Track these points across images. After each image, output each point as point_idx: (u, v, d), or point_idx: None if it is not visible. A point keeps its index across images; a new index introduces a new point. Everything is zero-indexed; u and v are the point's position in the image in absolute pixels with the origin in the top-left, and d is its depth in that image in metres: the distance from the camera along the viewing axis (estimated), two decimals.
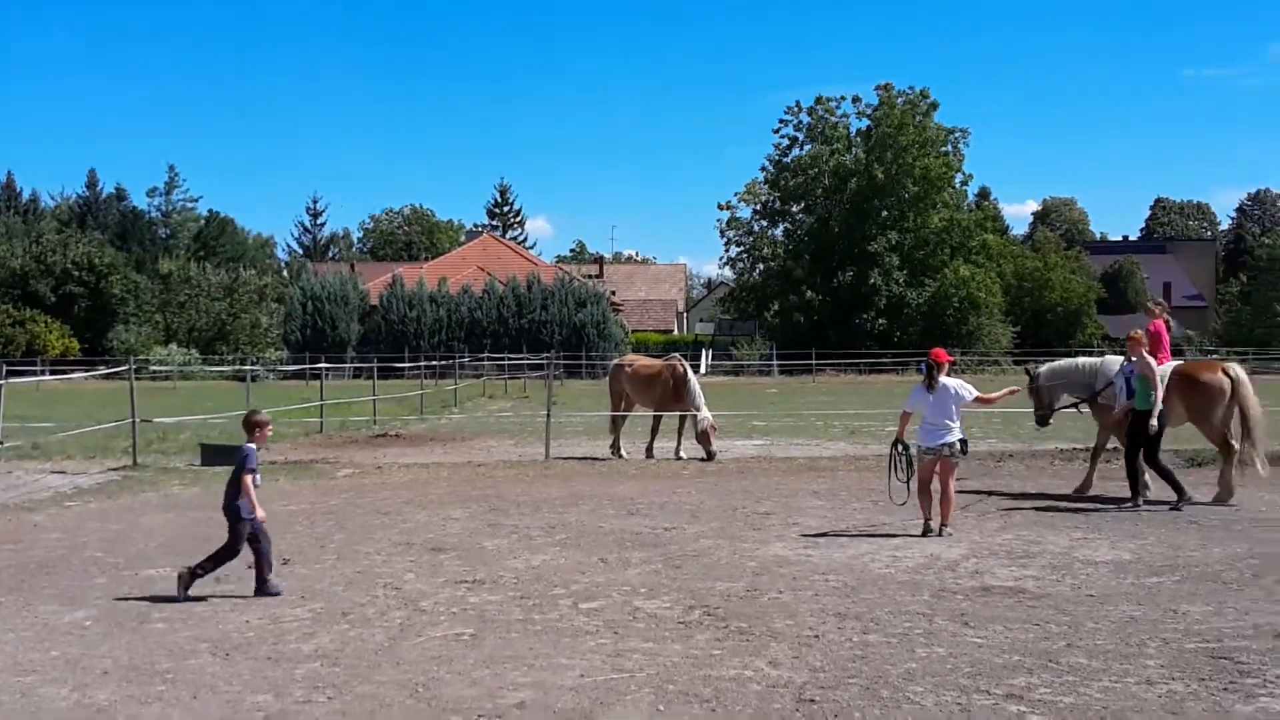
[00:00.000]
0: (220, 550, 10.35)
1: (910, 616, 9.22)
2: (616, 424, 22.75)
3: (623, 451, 21.97)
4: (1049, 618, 9.15)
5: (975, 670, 7.70)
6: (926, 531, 12.94)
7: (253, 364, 56.15)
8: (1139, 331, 15.16)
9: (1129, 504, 14.97)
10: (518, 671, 7.77)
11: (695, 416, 21.25)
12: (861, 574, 10.95)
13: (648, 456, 21.75)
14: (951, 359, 13.53)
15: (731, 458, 21.19)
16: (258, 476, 10.44)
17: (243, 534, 10.24)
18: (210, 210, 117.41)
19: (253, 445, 10.55)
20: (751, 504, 15.55)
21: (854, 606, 9.57)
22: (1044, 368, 17.44)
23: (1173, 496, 14.88)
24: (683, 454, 21.47)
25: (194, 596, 10.01)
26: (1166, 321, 16.59)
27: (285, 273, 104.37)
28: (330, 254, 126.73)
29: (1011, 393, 14.42)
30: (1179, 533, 13.11)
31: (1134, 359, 14.81)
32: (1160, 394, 14.66)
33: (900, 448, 13.48)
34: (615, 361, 25.40)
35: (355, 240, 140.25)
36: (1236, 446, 15.48)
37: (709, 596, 9.97)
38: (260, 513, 10.28)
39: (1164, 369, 15.53)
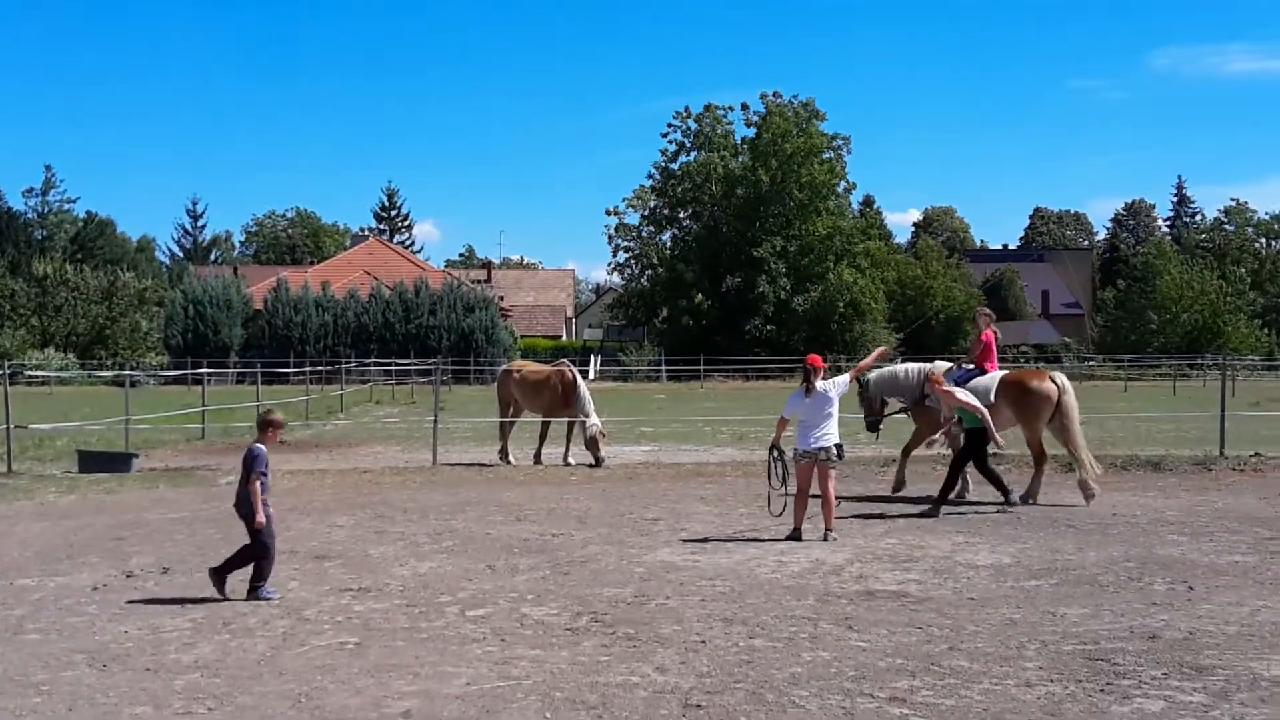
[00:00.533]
0: (245, 548, 10.35)
1: (796, 621, 9.31)
2: (505, 430, 22.66)
3: (511, 457, 21.89)
4: (931, 621, 9.29)
5: (859, 674, 7.79)
6: (797, 536, 13.06)
7: (133, 369, 55.05)
8: (937, 374, 15.93)
9: (1005, 504, 15.55)
10: (403, 680, 7.71)
11: (585, 423, 21.25)
12: (748, 579, 11.02)
13: (535, 462, 21.71)
14: (825, 364, 13.75)
15: (619, 464, 21.21)
16: (268, 479, 10.44)
17: (267, 530, 10.24)
18: (89, 212, 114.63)
19: (262, 445, 10.46)
20: (639, 510, 15.59)
21: (740, 611, 9.64)
22: (872, 374, 17.85)
23: (999, 497, 15.65)
24: (571, 460, 21.46)
25: (230, 597, 10.13)
26: (995, 332, 17.22)
27: (167, 276, 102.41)
28: (213, 257, 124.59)
29: (880, 354, 16.07)
30: (1057, 537, 13.39)
31: (939, 391, 15.34)
32: (985, 410, 15.16)
33: (776, 453, 13.63)
34: (503, 367, 25.29)
35: (238, 244, 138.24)
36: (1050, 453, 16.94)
37: (596, 603, 9.97)
38: (260, 517, 10.19)
39: (992, 377, 16.46)
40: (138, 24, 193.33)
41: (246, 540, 10.31)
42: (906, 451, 17.70)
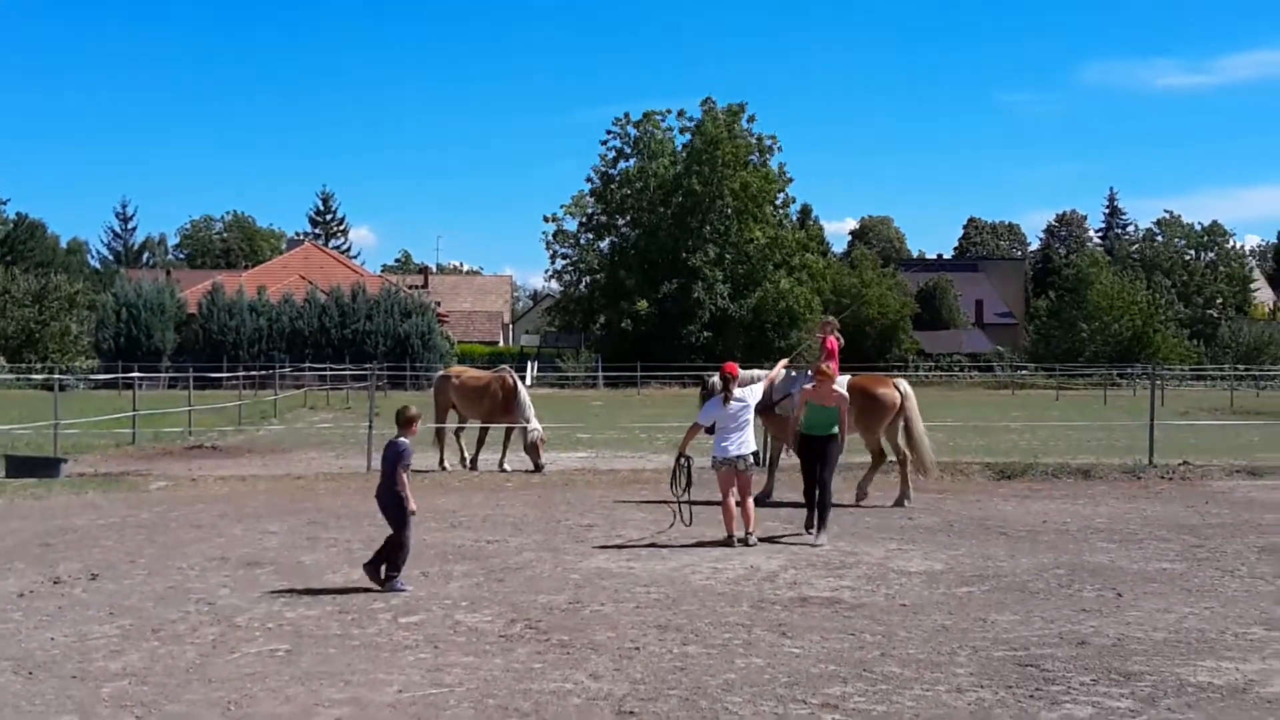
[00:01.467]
0: (389, 542, 10.89)
1: (730, 627, 9.33)
2: (441, 436, 22.55)
3: (446, 464, 21.80)
4: (864, 627, 9.35)
5: (792, 680, 7.81)
6: (731, 542, 13.14)
7: (63, 373, 54.27)
8: (828, 365, 15.14)
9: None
10: (334, 688, 7.65)
11: (525, 428, 21.23)
12: (682, 586, 11.04)
13: (471, 469, 21.62)
14: (738, 373, 13.88)
15: (556, 470, 21.17)
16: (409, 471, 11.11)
17: (408, 523, 10.87)
18: (19, 214, 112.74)
19: (405, 440, 11.08)
20: (575, 516, 15.57)
21: (675, 618, 9.65)
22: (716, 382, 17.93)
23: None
24: (507, 466, 21.41)
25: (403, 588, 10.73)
26: (838, 339, 17.33)
27: (99, 279, 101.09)
28: (146, 260, 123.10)
29: (784, 365, 16.25)
30: (989, 544, 13.51)
31: (832, 391, 14.42)
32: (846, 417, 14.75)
33: (684, 460, 13.70)
34: (441, 373, 25.10)
35: (171, 247, 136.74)
36: (892, 458, 17.32)
37: (531, 609, 9.95)
38: (413, 505, 10.94)
39: (839, 382, 16.42)
40: (69, 25, 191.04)
41: (185, 550, 10.21)
42: (773, 462, 17.83)
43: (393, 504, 10.89)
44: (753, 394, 13.71)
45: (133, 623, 9.48)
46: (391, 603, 10.22)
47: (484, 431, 22.36)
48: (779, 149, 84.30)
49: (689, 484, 13.67)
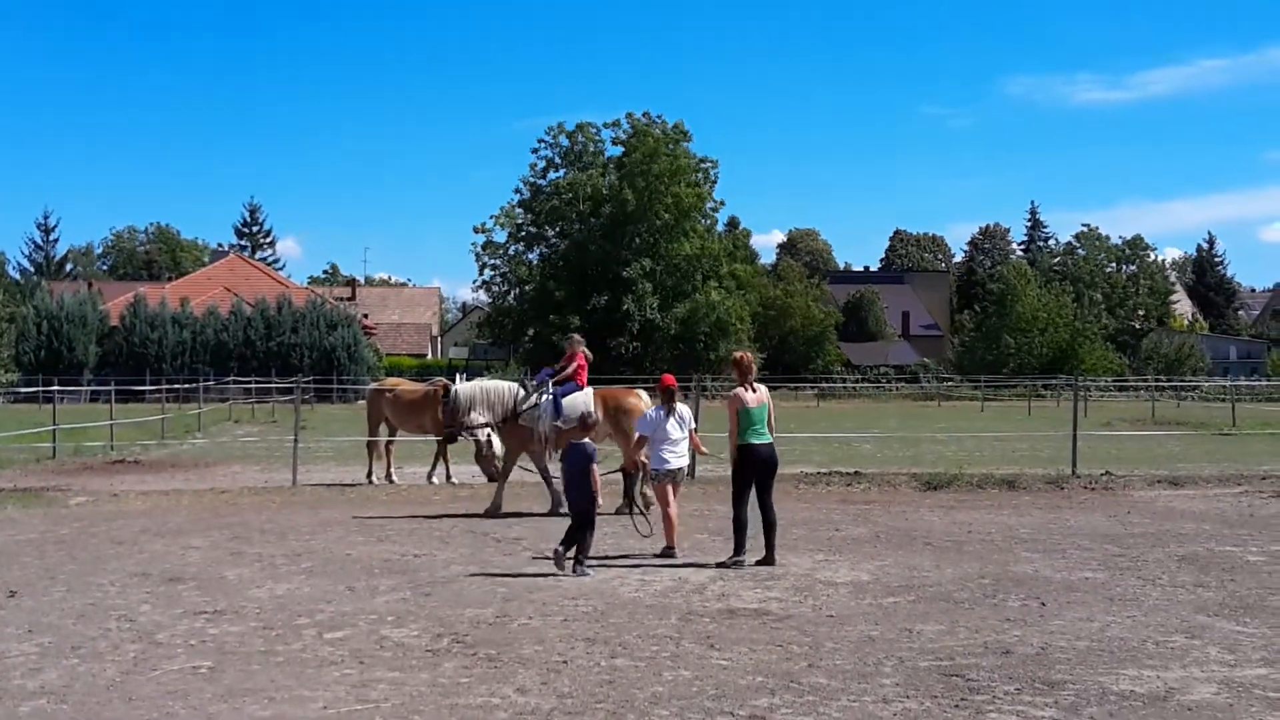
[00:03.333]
0: (572, 528, 12.32)
1: (658, 640, 9.32)
2: (373, 449, 22.37)
3: (375, 478, 21.66)
4: (791, 639, 9.37)
5: (720, 692, 7.81)
6: (673, 553, 13.19)
7: None
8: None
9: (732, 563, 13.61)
10: (257, 705, 7.55)
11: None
12: (611, 598, 11.02)
13: (429, 481, 21.52)
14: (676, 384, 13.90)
15: (481, 483, 21.03)
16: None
17: (591, 512, 12.40)
18: None
19: (589, 441, 12.82)
20: (502, 529, 15.52)
21: (603, 631, 9.62)
22: (461, 388, 18.27)
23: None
24: (435, 479, 21.38)
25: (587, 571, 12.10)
26: (585, 354, 17.57)
27: (19, 291, 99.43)
28: (68, 271, 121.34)
29: (700, 451, 14.79)
30: (915, 554, 13.60)
31: (757, 387, 13.49)
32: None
33: (642, 472, 13.75)
34: (373, 386, 24.69)
35: (95, 258, 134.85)
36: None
37: (458, 624, 9.88)
38: (600, 500, 12.65)
39: (587, 393, 17.13)
40: None
41: (105, 566, 10.06)
42: (504, 474, 17.96)
43: (585, 498, 12.36)
44: (687, 409, 13.77)
45: (52, 640, 9.31)
46: (316, 618, 10.12)
47: (442, 444, 22.04)
48: (717, 173, 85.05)
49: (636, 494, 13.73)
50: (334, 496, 19.51)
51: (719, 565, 12.75)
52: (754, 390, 13.13)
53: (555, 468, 16.08)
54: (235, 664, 8.57)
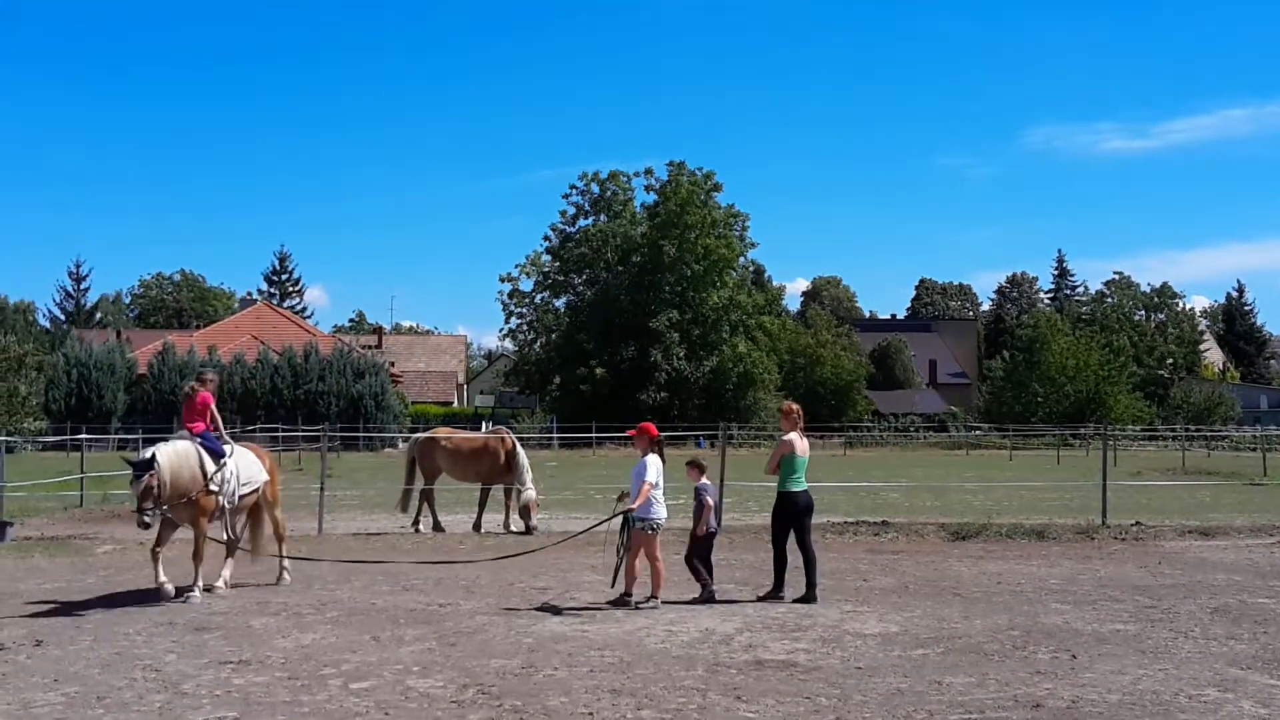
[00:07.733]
0: (702, 574, 13.69)
1: (684, 691, 9.25)
2: (420, 497, 22.31)
3: (420, 526, 21.68)
4: (819, 690, 9.29)
5: None
6: (634, 602, 13.27)
7: (10, 434, 53.63)
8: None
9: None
10: None
11: (519, 490, 21.45)
12: (637, 649, 10.95)
13: (475, 530, 21.58)
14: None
15: (505, 533, 21.07)
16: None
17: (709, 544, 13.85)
18: None
19: (707, 481, 14.00)
20: (528, 579, 15.45)
21: (629, 682, 9.56)
22: (160, 452, 14.50)
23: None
24: (513, 526, 21.77)
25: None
26: (212, 393, 15.28)
27: (49, 339, 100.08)
28: (97, 320, 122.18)
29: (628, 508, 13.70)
30: (944, 605, 13.49)
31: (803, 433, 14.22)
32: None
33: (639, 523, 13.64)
34: (424, 435, 24.47)
35: (125, 306, 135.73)
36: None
37: (483, 674, 9.83)
38: (701, 529, 13.73)
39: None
40: (17, 82, 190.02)
41: (131, 614, 10.04)
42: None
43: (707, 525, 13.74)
44: (657, 460, 13.66)
45: (78, 690, 9.30)
46: (342, 668, 10.08)
47: (485, 493, 22.31)
48: (748, 227, 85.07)
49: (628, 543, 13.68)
50: (359, 545, 19.47)
51: (759, 599, 13.68)
52: (804, 439, 13.94)
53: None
54: (260, 714, 8.54)
